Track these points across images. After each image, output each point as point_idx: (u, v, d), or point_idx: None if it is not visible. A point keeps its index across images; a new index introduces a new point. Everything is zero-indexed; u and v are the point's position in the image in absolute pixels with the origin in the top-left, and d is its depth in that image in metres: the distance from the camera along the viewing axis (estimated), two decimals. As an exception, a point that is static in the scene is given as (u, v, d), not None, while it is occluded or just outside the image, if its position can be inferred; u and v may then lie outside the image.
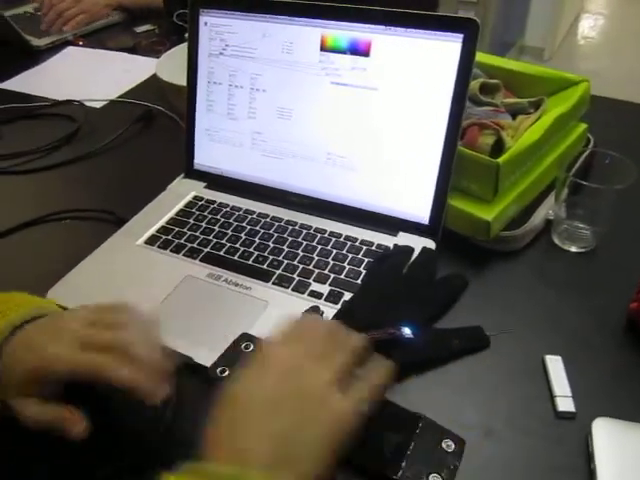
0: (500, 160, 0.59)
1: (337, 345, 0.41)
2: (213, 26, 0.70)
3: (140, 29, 1.32)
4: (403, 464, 0.44)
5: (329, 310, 0.56)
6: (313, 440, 0.36)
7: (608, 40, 3.40)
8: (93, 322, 0.45)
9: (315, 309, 0.56)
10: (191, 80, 0.74)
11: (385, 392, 0.42)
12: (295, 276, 0.61)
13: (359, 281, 0.60)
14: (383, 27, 0.61)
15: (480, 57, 0.75)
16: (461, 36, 0.58)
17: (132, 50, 1.22)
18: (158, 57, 0.97)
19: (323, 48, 0.65)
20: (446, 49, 0.59)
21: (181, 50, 0.91)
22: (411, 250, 0.62)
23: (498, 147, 0.63)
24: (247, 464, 0.34)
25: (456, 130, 0.60)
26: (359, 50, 0.63)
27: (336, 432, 0.36)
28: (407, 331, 0.52)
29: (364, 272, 0.61)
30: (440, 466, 0.44)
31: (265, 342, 0.43)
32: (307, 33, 0.65)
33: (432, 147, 0.62)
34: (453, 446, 0.46)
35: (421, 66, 0.61)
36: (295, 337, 0.42)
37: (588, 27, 3.51)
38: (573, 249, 0.65)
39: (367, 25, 0.62)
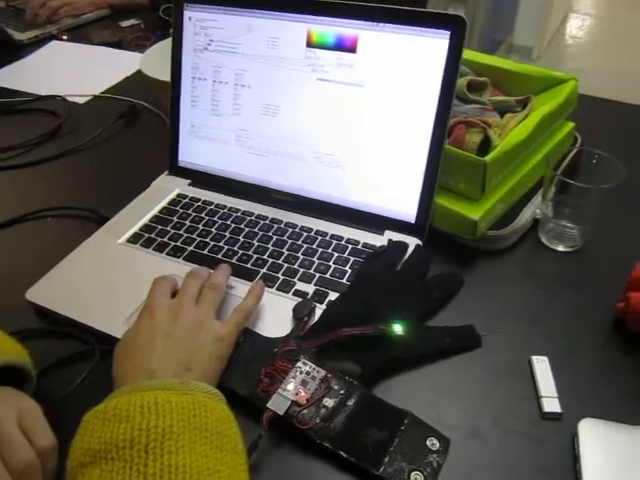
0: (487, 158, 0.59)
1: (207, 286, 0.54)
2: (198, 21, 0.69)
3: (125, 23, 1.30)
4: (385, 460, 0.44)
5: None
6: (203, 354, 0.48)
7: (596, 40, 3.42)
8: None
9: (307, 302, 0.55)
10: (175, 76, 0.73)
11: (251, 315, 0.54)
12: (280, 275, 0.60)
13: (345, 280, 0.59)
14: (370, 23, 0.61)
15: (468, 55, 0.75)
16: (448, 33, 0.57)
17: (117, 45, 1.20)
18: (143, 52, 0.95)
19: (309, 44, 0.64)
20: (433, 46, 0.58)
21: (166, 45, 0.89)
22: (405, 246, 0.62)
23: (485, 145, 0.63)
24: (161, 377, 0.44)
25: (443, 128, 0.60)
26: (345, 46, 0.62)
27: (219, 348, 0.49)
28: (397, 328, 0.52)
29: (356, 268, 0.60)
30: (423, 464, 0.44)
31: (149, 296, 0.53)
32: (293, 28, 0.64)
33: (419, 145, 0.61)
34: (437, 444, 0.45)
35: (408, 63, 0.60)
36: (166, 290, 0.53)
37: (576, 27, 3.53)
38: (560, 248, 0.65)
39: (354, 21, 0.61)
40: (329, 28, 0.62)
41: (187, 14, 0.70)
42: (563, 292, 0.60)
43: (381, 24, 0.60)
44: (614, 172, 0.59)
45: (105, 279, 0.60)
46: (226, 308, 0.56)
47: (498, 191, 0.63)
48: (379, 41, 0.61)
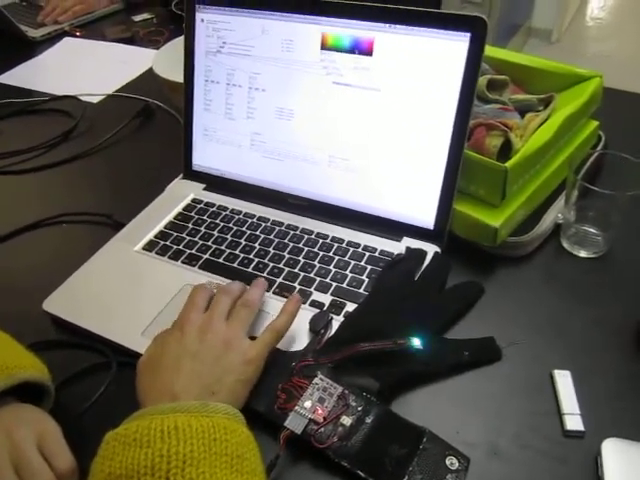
0: (508, 164, 0.57)
1: (240, 304, 0.52)
2: (210, 23, 0.68)
3: (138, 18, 1.29)
4: (404, 479, 0.43)
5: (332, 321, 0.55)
6: (229, 377, 0.46)
7: (617, 21, 3.32)
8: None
9: (323, 315, 0.55)
10: (188, 78, 0.71)
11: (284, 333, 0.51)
12: (296, 285, 0.59)
13: (363, 289, 0.58)
14: (387, 25, 0.59)
15: (487, 50, 0.72)
16: (468, 35, 0.56)
17: (130, 40, 1.19)
18: (157, 48, 0.94)
19: (324, 46, 0.62)
20: (453, 48, 0.57)
21: (178, 44, 0.88)
22: (424, 254, 0.60)
23: (506, 148, 0.61)
24: (183, 400, 0.43)
25: (463, 132, 0.58)
26: (361, 49, 0.60)
27: (246, 371, 0.47)
28: (416, 342, 0.51)
29: (374, 278, 0.59)
30: None
31: (184, 309, 0.51)
32: (307, 31, 0.62)
33: (438, 150, 0.59)
34: (457, 464, 0.45)
35: (426, 66, 0.58)
36: (202, 304, 0.52)
37: (597, 8, 3.43)
38: (583, 254, 0.63)
39: (370, 23, 0.59)
40: (344, 30, 0.61)
41: (199, 16, 0.69)
42: (586, 301, 0.58)
43: (398, 26, 0.58)
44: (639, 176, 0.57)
45: (122, 289, 0.60)
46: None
47: (519, 197, 0.61)
48: (396, 44, 0.59)
